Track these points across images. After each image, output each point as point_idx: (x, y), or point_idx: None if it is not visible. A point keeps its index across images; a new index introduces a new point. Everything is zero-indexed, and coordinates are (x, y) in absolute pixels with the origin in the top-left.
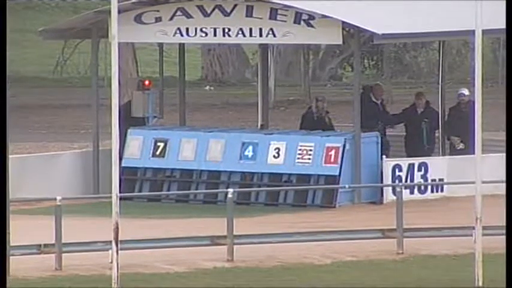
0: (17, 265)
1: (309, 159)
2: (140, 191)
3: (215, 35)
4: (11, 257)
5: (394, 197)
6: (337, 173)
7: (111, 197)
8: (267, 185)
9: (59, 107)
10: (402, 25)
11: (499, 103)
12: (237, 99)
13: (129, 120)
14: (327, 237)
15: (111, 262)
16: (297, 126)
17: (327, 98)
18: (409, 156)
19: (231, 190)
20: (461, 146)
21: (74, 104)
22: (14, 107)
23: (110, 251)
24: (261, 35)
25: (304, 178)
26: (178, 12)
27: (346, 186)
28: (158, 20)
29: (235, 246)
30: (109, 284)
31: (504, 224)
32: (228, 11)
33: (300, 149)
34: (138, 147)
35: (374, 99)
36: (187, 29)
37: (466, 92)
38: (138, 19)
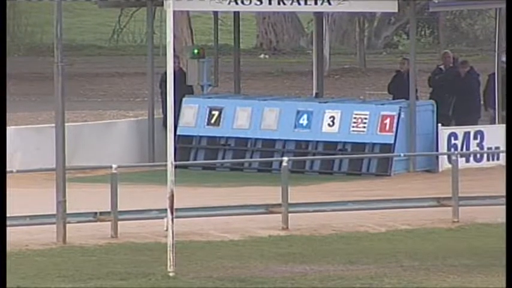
0: (73, 233)
1: (364, 127)
2: (195, 159)
3: (270, 3)
4: (67, 225)
5: (450, 165)
6: (392, 142)
7: (166, 165)
8: (322, 154)
9: (114, 75)
10: None
11: None
12: (292, 67)
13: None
14: (381, 205)
15: (166, 230)
16: (352, 94)
17: (382, 67)
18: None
19: (285, 158)
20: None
21: (129, 72)
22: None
23: (165, 219)
24: (316, 3)
25: (359, 146)
26: None
27: (401, 154)
28: None
29: (289, 215)
30: (164, 252)
31: None
32: None
33: (354, 118)
34: (193, 116)
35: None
36: None
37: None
38: None
